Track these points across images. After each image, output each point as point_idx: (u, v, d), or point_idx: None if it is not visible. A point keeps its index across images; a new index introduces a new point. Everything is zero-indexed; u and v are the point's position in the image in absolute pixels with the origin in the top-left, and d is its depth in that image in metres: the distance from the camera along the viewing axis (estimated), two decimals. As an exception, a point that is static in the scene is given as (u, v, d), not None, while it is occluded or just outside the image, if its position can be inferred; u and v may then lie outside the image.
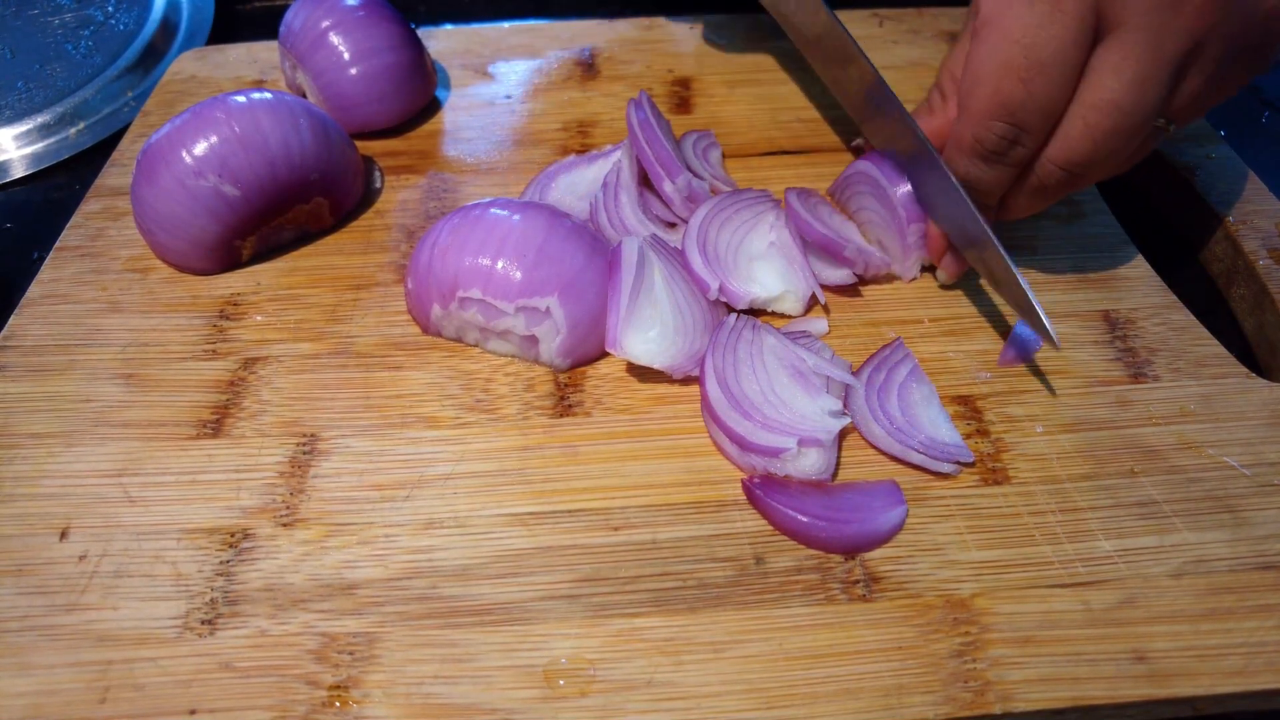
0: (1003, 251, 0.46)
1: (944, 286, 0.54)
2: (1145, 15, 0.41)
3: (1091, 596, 0.40)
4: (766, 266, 0.53)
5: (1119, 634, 0.39)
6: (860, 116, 0.57)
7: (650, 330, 0.48)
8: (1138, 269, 0.54)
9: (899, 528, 0.42)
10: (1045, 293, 0.53)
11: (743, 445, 0.44)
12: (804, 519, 0.42)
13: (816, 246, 0.53)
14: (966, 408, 0.47)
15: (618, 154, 0.58)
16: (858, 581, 0.41)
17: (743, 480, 0.44)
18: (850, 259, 0.52)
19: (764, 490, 0.43)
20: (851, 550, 0.42)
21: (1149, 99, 0.43)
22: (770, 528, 0.42)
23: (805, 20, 0.57)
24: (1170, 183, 0.60)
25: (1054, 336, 0.45)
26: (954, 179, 0.48)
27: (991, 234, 0.47)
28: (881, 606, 0.40)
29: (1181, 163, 0.60)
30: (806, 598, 0.40)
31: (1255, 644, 0.38)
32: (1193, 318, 0.52)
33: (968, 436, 0.46)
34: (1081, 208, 0.58)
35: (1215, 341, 0.50)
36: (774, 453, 0.43)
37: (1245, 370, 0.49)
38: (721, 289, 0.50)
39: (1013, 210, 0.50)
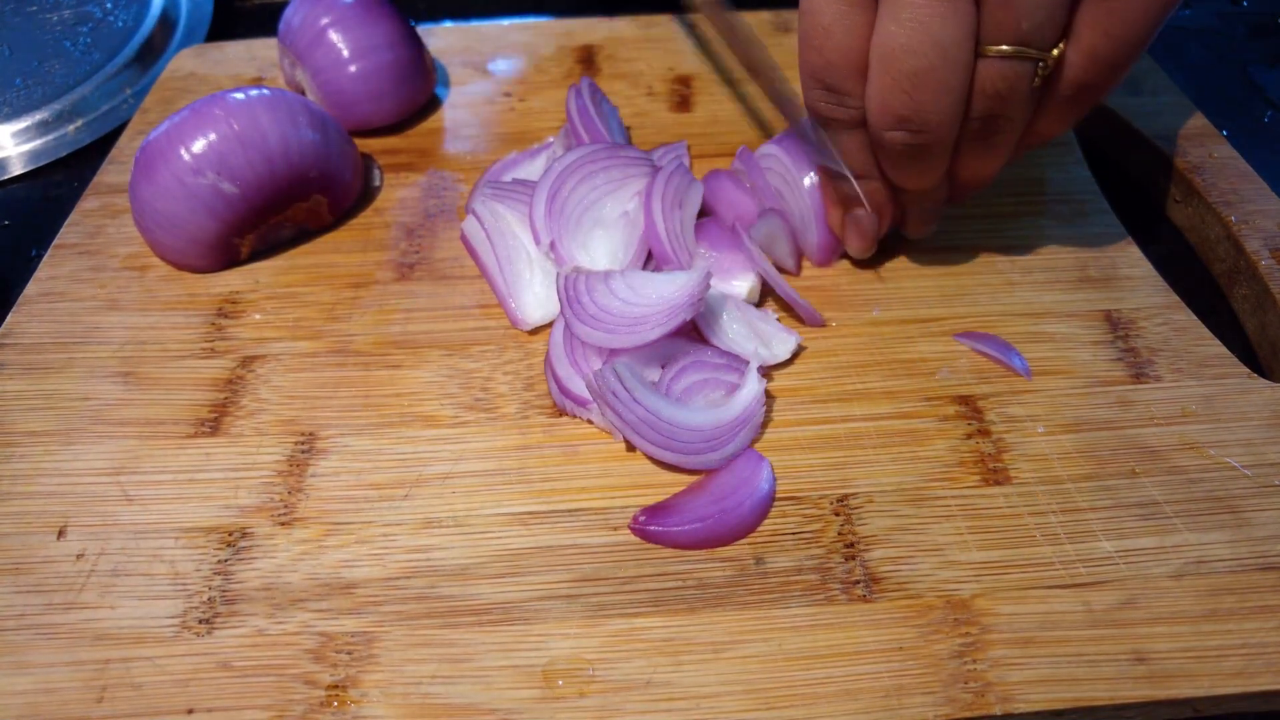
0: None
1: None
2: None
3: (1092, 597, 0.40)
4: (606, 237, 0.51)
5: (1119, 635, 0.39)
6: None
7: (535, 287, 0.47)
8: (1139, 269, 0.54)
9: (774, 480, 0.43)
10: (1046, 293, 0.53)
11: (562, 389, 0.45)
12: (705, 522, 0.41)
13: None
14: (968, 408, 0.47)
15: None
16: (858, 582, 0.40)
17: (629, 527, 0.42)
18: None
19: (653, 522, 0.42)
20: (755, 526, 0.42)
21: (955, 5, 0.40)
22: (766, 529, 0.42)
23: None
24: (1172, 182, 0.60)
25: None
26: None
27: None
28: (882, 607, 0.40)
29: (1184, 162, 0.59)
30: (806, 598, 0.40)
31: (1256, 645, 0.38)
32: (1194, 318, 0.51)
33: (968, 437, 0.46)
34: (1083, 207, 0.58)
35: (1217, 342, 0.50)
36: (583, 402, 0.44)
37: (1247, 371, 0.49)
38: (552, 246, 0.50)
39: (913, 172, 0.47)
